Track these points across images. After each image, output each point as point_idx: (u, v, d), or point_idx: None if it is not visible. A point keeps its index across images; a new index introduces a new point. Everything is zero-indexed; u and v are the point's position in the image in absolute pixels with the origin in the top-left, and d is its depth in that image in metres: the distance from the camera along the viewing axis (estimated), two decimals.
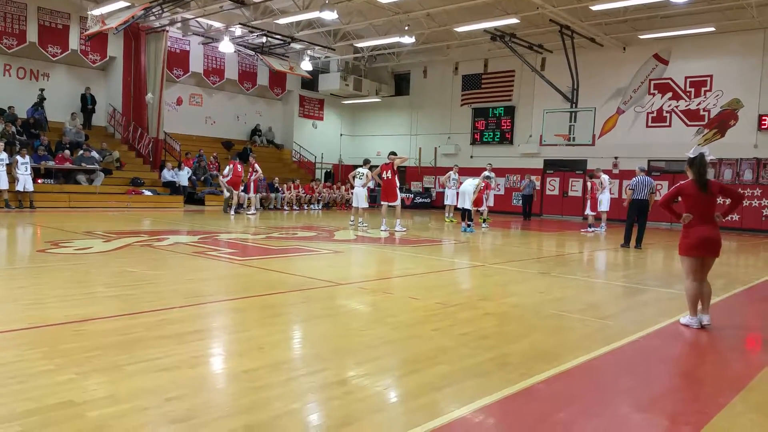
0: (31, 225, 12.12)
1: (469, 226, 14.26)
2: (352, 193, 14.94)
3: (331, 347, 4.13)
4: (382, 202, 13.78)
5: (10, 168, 15.15)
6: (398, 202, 13.65)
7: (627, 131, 21.19)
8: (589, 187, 16.55)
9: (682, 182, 5.22)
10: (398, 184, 13.73)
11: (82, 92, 20.52)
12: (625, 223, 12.03)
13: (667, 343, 4.79)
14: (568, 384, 3.59)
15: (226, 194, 17.50)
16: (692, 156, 5.19)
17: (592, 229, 16.00)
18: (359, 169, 14.44)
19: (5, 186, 14.99)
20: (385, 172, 13.53)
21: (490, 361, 3.89)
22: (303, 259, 8.83)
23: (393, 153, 13.97)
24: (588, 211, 16.33)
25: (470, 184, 14.52)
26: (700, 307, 5.10)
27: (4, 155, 15.07)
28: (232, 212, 16.97)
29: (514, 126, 23.93)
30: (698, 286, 5.06)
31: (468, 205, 14.33)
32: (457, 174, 17.62)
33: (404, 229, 13.49)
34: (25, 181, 15.31)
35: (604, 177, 15.99)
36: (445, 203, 17.91)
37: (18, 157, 15.31)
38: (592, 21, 18.67)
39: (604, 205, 15.96)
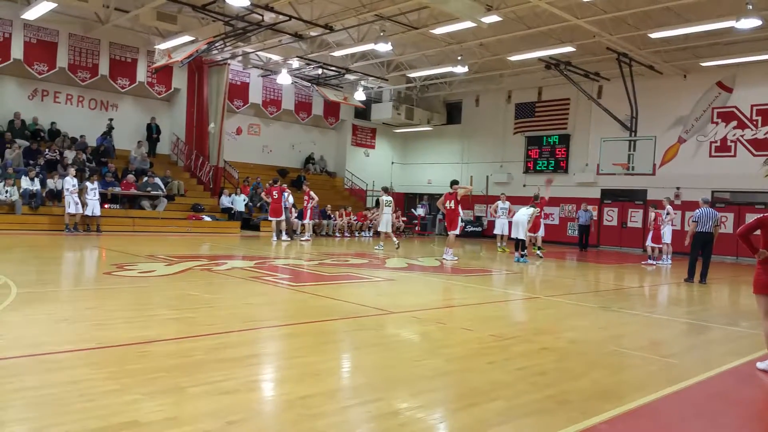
0: (98, 248, 12.71)
1: (522, 256, 14.02)
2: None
3: (384, 377, 4.11)
4: (449, 232, 13.94)
5: (81, 193, 15.96)
6: (455, 232, 13.77)
7: (689, 161, 20.46)
8: (652, 218, 15.98)
9: (767, 214, 4.95)
10: (461, 214, 14.07)
11: (147, 122, 21.55)
12: (689, 256, 11.54)
13: (737, 385, 4.53)
14: (632, 426, 3.45)
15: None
16: None
17: (654, 261, 15.43)
18: (384, 197, 15.73)
19: (79, 210, 15.74)
20: (448, 201, 13.67)
21: (550, 398, 3.78)
22: (355, 286, 8.88)
23: (455, 182, 14.18)
24: (649, 242, 15.77)
25: (523, 213, 14.31)
26: None
27: (75, 181, 15.90)
28: (281, 238, 17.00)
29: (570, 154, 23.52)
30: None
31: (522, 235, 14.12)
32: (506, 203, 17.40)
33: (455, 258, 13.45)
34: (93, 206, 16.08)
35: (669, 208, 15.49)
36: (495, 232, 17.74)
37: (87, 183, 16.14)
38: (651, 48, 18.29)
39: (666, 237, 15.44)
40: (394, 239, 15.75)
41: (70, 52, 18.89)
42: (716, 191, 19.54)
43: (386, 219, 15.59)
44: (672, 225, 15.89)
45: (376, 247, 15.54)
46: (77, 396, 3.31)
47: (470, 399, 3.70)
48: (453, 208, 13.62)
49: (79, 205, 15.69)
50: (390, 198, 15.88)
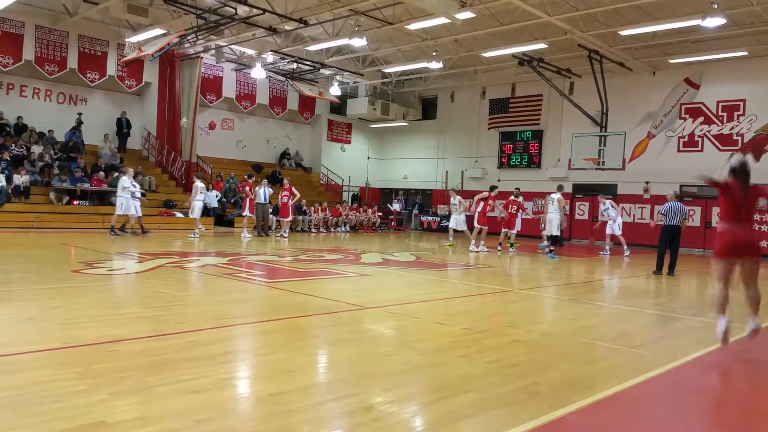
0: (66, 245, 12.43)
1: (551, 251, 14.47)
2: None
3: (357, 372, 4.12)
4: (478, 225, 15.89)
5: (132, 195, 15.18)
6: (484, 227, 15.67)
7: (658, 156, 20.87)
8: (541, 205, 16.84)
9: (730, 181, 5.31)
10: (494, 212, 15.94)
11: (118, 116, 21.13)
12: (657, 249, 11.79)
13: (702, 374, 4.66)
14: (601, 415, 3.52)
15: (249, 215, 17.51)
16: (734, 165, 5.31)
17: (546, 247, 15.66)
18: (198, 183, 16.49)
19: (130, 212, 14.93)
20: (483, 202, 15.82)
21: (520, 390, 3.83)
22: (330, 281, 8.86)
23: (494, 187, 16.13)
24: (545, 232, 15.78)
25: (553, 210, 14.90)
26: (738, 312, 5.10)
27: (132, 180, 15.06)
28: (246, 235, 16.72)
29: (542, 150, 23.79)
30: (726, 290, 5.12)
31: (555, 231, 14.74)
32: (456, 197, 16.98)
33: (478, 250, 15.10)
34: (136, 206, 15.28)
35: (608, 203, 16.36)
36: (450, 226, 17.55)
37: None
38: (621, 46, 18.58)
39: (617, 229, 16.32)
40: (200, 226, 16.26)
41: (37, 44, 18.41)
42: (684, 185, 19.96)
43: (197, 206, 16.16)
44: (613, 220, 16.43)
45: (190, 235, 15.61)
46: (41, 397, 3.23)
47: (442, 392, 3.73)
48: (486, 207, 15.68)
49: (131, 207, 14.90)
50: (203, 185, 16.73)
